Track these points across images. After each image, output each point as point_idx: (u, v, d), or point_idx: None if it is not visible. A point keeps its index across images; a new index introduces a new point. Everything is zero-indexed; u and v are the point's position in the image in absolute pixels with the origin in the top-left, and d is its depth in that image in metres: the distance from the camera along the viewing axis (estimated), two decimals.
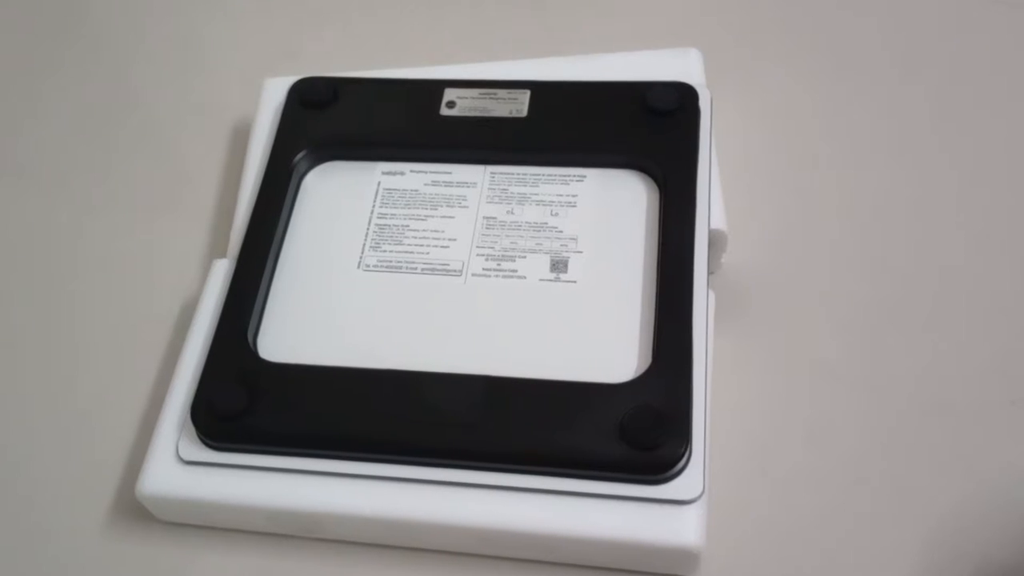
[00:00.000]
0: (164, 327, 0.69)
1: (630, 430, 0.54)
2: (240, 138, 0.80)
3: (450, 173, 0.68)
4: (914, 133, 0.76)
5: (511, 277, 0.63)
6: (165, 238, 0.75)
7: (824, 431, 0.62)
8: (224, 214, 0.75)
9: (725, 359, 0.64)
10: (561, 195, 0.66)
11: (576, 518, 0.55)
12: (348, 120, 0.70)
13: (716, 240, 0.65)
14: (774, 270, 0.70)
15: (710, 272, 0.63)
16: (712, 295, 0.62)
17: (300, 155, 0.68)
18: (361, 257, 0.65)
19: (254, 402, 0.58)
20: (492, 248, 0.64)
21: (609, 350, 0.59)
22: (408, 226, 0.66)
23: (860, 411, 0.63)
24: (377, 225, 0.66)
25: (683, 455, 0.54)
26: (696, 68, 0.72)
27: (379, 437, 0.57)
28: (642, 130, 0.66)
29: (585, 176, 0.66)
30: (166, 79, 0.86)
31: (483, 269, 0.63)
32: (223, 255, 0.67)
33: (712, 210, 0.64)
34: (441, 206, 0.66)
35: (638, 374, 0.58)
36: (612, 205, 0.65)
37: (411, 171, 0.68)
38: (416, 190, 0.67)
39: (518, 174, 0.67)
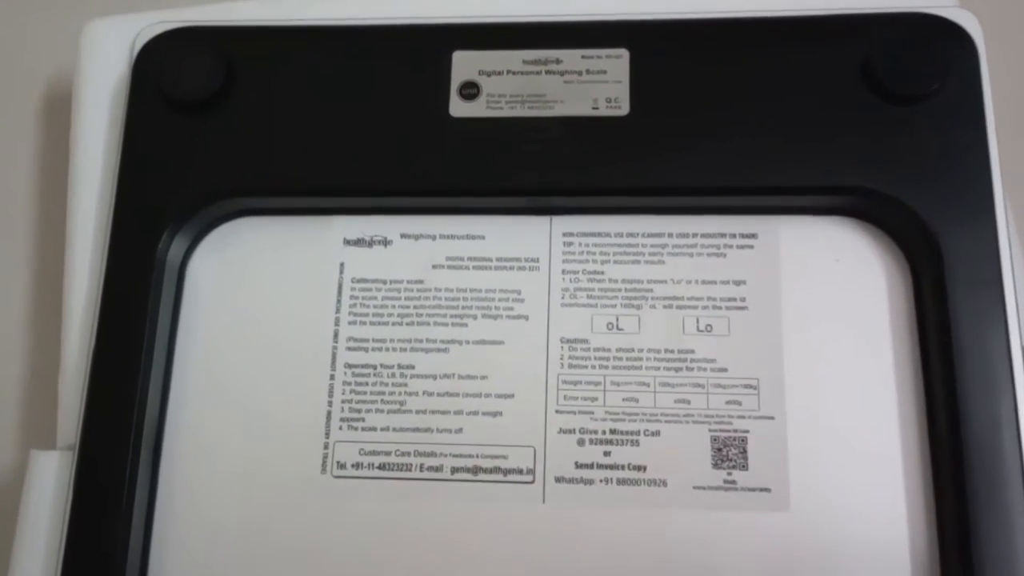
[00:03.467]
0: None
1: None
2: (55, 146, 0.44)
3: (483, 239, 0.34)
4: None
5: (636, 484, 0.31)
6: None
7: None
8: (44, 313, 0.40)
9: None
10: (715, 281, 0.33)
11: None
12: (263, 131, 0.34)
13: None
14: None
15: None
16: None
17: (172, 212, 0.33)
18: (327, 448, 0.32)
19: None
20: (590, 415, 0.32)
21: None
22: (412, 366, 0.33)
23: None
24: (348, 368, 0.33)
25: None
26: None
27: None
28: (865, 134, 0.33)
29: (756, 235, 0.33)
30: None
31: (578, 467, 0.31)
32: (45, 441, 0.34)
33: None
34: (472, 316, 0.33)
35: None
36: (815, 294, 0.32)
37: (400, 235, 0.34)
38: (418, 281, 0.34)
39: (618, 238, 0.34)
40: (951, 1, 0.36)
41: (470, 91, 0.34)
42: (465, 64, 0.34)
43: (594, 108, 0.33)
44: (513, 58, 0.34)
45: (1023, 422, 0.30)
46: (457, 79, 0.34)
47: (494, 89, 0.34)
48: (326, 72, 0.34)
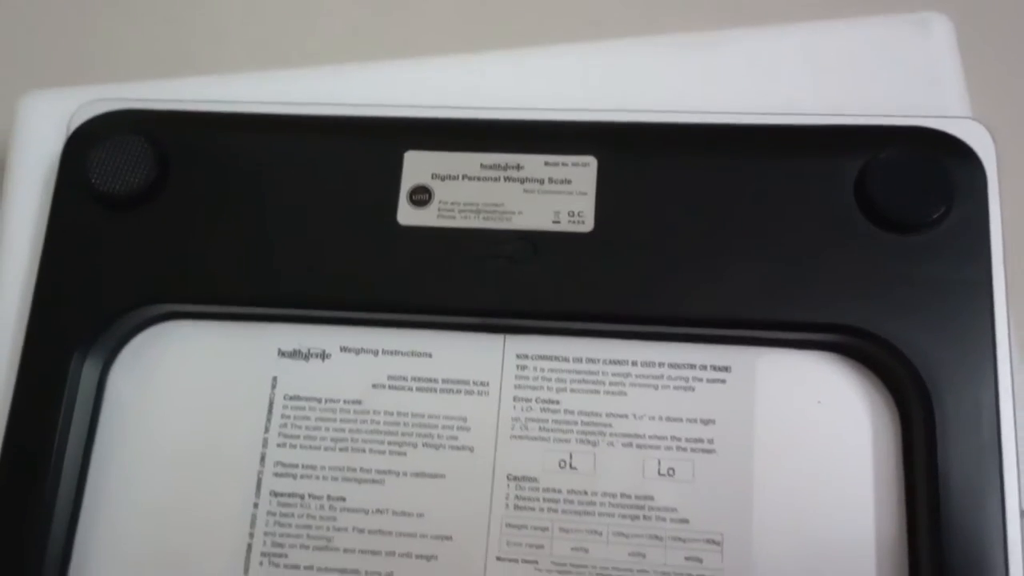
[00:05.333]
0: None
1: None
2: None
3: (429, 358, 0.31)
4: None
5: None
6: None
7: None
8: None
9: None
10: (680, 418, 0.30)
11: None
12: (195, 230, 0.32)
13: None
14: None
15: None
16: None
17: (92, 316, 0.31)
18: None
19: None
20: (534, 565, 0.29)
21: None
22: (343, 498, 0.30)
23: None
24: (274, 496, 0.30)
25: None
26: (953, 77, 0.34)
27: None
28: (855, 263, 0.29)
29: (729, 368, 0.30)
30: None
31: None
32: None
33: None
34: (412, 444, 0.30)
35: None
36: (791, 439, 0.29)
37: (340, 348, 0.31)
38: (356, 402, 0.31)
39: (577, 364, 0.31)
40: (963, 110, 0.33)
41: (421, 196, 0.31)
42: (417, 166, 0.31)
43: (555, 222, 0.30)
44: (470, 161, 0.31)
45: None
46: (408, 183, 0.31)
47: (447, 195, 0.31)
48: (267, 167, 0.31)
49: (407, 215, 0.31)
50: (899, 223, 0.29)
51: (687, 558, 0.28)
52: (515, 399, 0.30)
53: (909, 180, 0.30)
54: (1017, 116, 0.40)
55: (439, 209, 0.31)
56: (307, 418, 0.30)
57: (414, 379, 0.31)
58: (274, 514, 0.30)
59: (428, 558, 0.29)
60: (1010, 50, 0.42)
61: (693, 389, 0.30)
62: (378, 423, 0.30)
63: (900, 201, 0.29)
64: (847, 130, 0.31)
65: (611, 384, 0.30)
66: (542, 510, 0.29)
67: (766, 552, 0.28)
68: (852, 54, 0.34)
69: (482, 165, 0.31)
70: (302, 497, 0.30)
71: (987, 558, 0.27)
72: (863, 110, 0.32)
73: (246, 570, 0.29)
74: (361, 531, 0.29)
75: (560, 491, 0.29)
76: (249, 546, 0.29)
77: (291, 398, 0.31)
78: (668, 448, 0.29)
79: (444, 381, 0.30)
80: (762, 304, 0.29)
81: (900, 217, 0.29)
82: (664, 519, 0.29)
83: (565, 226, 0.30)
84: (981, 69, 0.35)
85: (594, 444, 0.30)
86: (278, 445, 0.30)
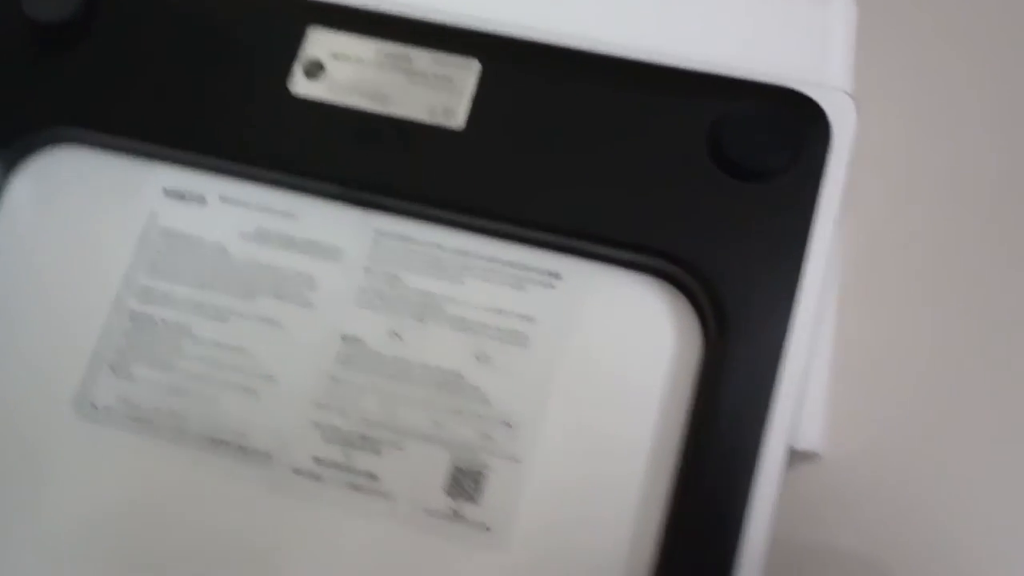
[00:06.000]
0: None
1: None
2: None
3: (294, 218, 0.34)
4: None
5: (365, 492, 0.31)
6: None
7: None
8: None
9: None
10: (505, 311, 0.32)
11: None
12: (103, 67, 0.34)
13: (799, 458, 0.32)
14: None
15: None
16: None
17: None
18: (86, 384, 0.32)
19: None
20: (344, 414, 0.32)
21: None
22: (190, 328, 0.33)
23: None
24: (131, 315, 0.33)
25: None
26: (840, 50, 0.36)
27: None
28: (691, 199, 0.32)
29: (561, 275, 0.32)
30: None
31: (315, 462, 0.31)
32: None
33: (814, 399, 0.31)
34: (262, 292, 0.33)
35: None
36: (601, 350, 0.31)
37: (219, 197, 0.34)
38: (222, 246, 0.34)
39: (427, 248, 0.33)
40: (843, 85, 0.35)
41: (315, 71, 0.33)
42: (318, 43, 0.34)
43: (430, 114, 0.33)
44: (367, 47, 0.34)
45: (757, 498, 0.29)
46: (306, 56, 0.34)
47: (340, 74, 0.33)
48: (185, 17, 0.34)
49: (300, 85, 0.33)
50: (740, 170, 0.31)
51: (481, 434, 0.31)
52: (364, 269, 0.33)
53: (758, 133, 0.32)
54: (900, 103, 0.42)
55: (329, 85, 0.33)
56: (175, 252, 0.33)
57: (277, 235, 0.33)
58: (126, 330, 0.33)
59: (251, 392, 0.32)
60: (909, 38, 0.44)
61: (523, 288, 0.32)
62: (236, 268, 0.33)
63: (745, 150, 0.31)
64: (715, 79, 0.33)
65: (452, 271, 0.32)
66: (363, 371, 0.32)
67: (551, 442, 0.31)
68: (752, 11, 0.36)
69: (376, 52, 0.34)
70: (154, 321, 0.33)
71: (736, 484, 0.29)
72: (746, 64, 0.34)
73: (90, 372, 0.32)
74: (199, 359, 0.32)
75: (384, 356, 0.32)
76: (97, 353, 0.32)
77: (165, 232, 0.33)
78: (488, 336, 0.32)
79: (304, 242, 0.33)
80: (597, 219, 0.32)
81: (742, 165, 0.31)
82: (469, 397, 0.31)
83: (438, 119, 0.33)
84: (878, 53, 0.37)
85: (423, 321, 0.32)
86: (145, 272, 0.33)
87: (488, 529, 0.30)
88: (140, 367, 0.32)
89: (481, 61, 0.33)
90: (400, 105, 0.33)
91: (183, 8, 0.34)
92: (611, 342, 0.31)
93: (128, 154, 0.34)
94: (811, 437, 0.32)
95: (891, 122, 0.41)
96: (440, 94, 0.33)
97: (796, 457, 0.32)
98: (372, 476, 0.31)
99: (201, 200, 0.34)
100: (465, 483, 0.30)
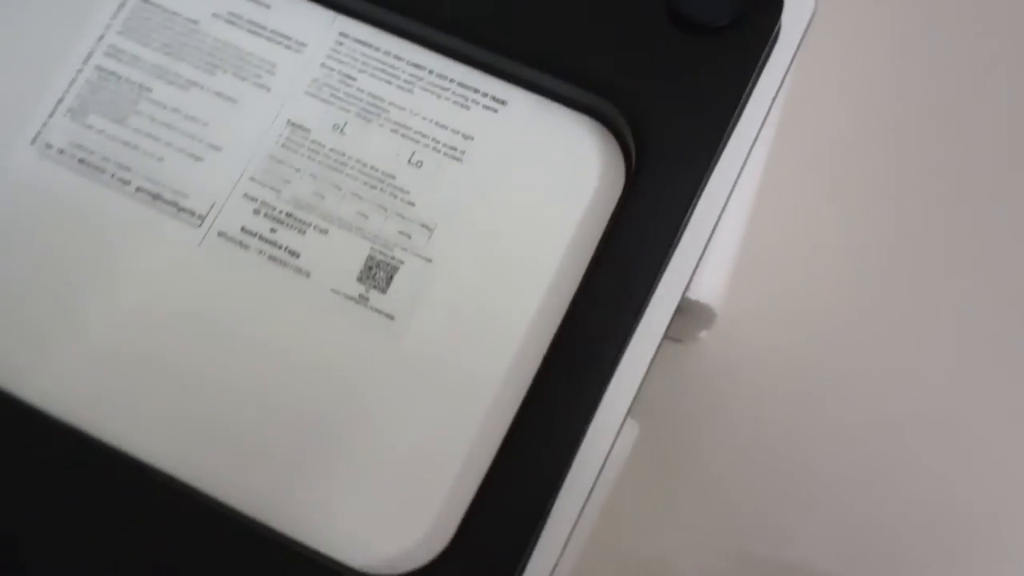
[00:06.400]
0: None
1: None
2: None
3: (268, 8, 0.35)
4: None
5: (284, 265, 0.33)
6: None
7: None
8: None
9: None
10: (447, 127, 0.34)
11: None
12: None
13: (695, 312, 0.34)
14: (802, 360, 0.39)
15: (675, 339, 0.32)
16: (635, 427, 0.32)
17: None
18: (45, 125, 0.34)
19: None
20: (277, 193, 0.33)
21: (408, 504, 0.30)
22: (150, 90, 0.34)
23: None
24: (97, 69, 0.35)
25: None
26: None
27: None
28: (641, 49, 0.33)
29: (506, 103, 0.34)
30: None
31: (243, 231, 0.33)
32: None
33: (717, 254, 0.32)
34: (223, 69, 0.35)
35: (434, 556, 0.30)
36: (530, 178, 0.33)
37: None
38: (194, 22, 0.35)
39: (385, 56, 0.34)
40: None
41: None
42: None
43: None
44: None
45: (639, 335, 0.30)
46: None
47: None
48: None
49: None
50: (688, 23, 0.33)
51: (400, 232, 0.33)
52: (322, 65, 0.34)
53: None
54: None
55: None
56: (149, 20, 0.35)
57: (248, 21, 0.35)
58: (91, 81, 0.34)
59: (196, 158, 0.33)
60: None
61: (468, 108, 0.34)
62: (204, 43, 0.35)
63: (695, 6, 0.33)
64: None
65: (404, 81, 0.34)
66: (302, 156, 0.33)
67: (463, 251, 0.32)
68: None
69: None
70: (118, 77, 0.34)
71: (619, 321, 0.30)
72: None
73: (50, 114, 0.34)
74: (153, 119, 0.34)
75: (324, 146, 0.33)
76: (61, 99, 0.34)
77: (146, 0, 0.35)
78: (426, 145, 0.33)
79: (271, 31, 0.35)
80: (547, 50, 0.33)
81: (691, 18, 0.33)
82: (396, 196, 0.33)
83: None
84: None
85: (368, 120, 0.34)
86: (118, 32, 0.35)
87: (391, 318, 0.32)
88: (97, 117, 0.34)
89: None
90: None
91: None
92: (540, 171, 0.33)
93: None
94: (708, 291, 0.33)
95: (847, 37, 0.41)
96: None
97: (692, 312, 0.34)
98: (293, 253, 0.32)
99: None
100: (377, 274, 0.32)
